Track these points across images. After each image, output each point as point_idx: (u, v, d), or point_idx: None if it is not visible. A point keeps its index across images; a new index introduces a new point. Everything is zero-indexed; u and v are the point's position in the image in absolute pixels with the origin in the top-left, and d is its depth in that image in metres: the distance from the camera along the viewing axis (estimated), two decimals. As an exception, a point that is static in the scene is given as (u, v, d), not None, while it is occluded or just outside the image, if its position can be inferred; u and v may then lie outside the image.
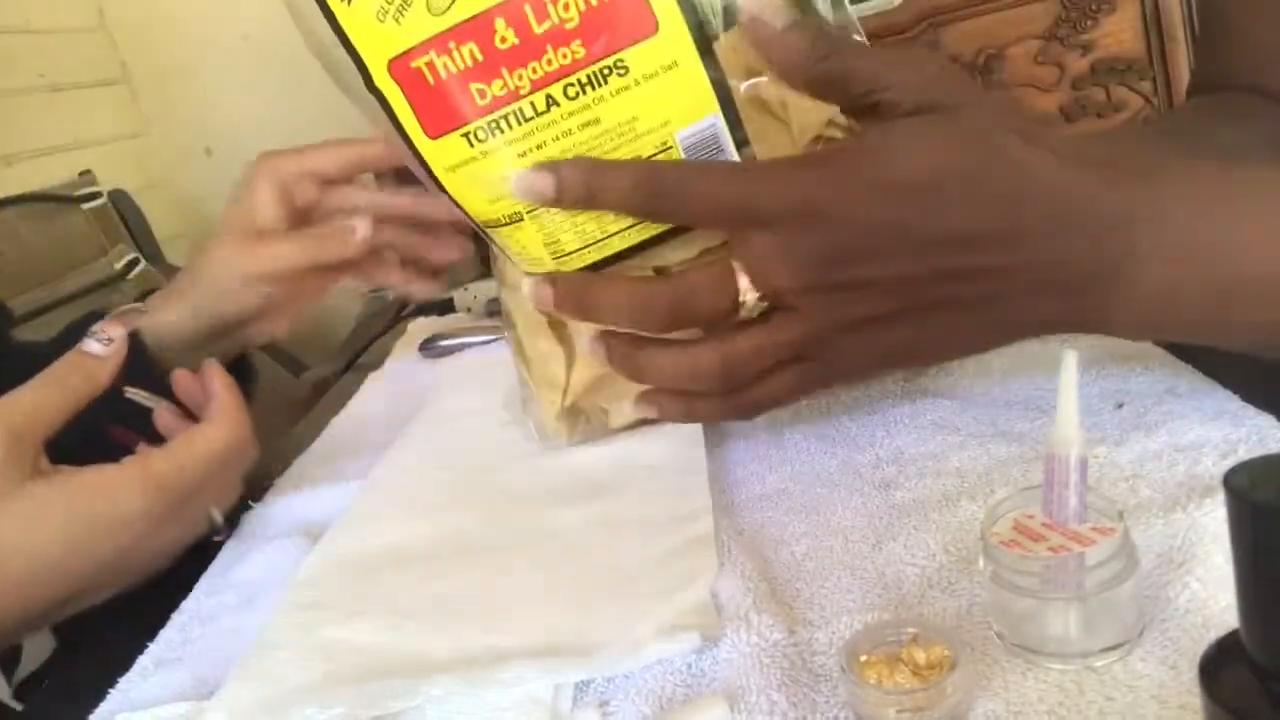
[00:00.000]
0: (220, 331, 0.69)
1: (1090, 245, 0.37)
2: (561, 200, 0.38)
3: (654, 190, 0.37)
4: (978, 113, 0.37)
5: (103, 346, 0.54)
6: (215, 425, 0.55)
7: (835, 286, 0.37)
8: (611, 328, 0.42)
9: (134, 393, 0.59)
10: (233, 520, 0.59)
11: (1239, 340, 0.41)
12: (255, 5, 1.98)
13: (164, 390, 0.64)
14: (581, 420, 0.60)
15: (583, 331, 0.60)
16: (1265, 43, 0.60)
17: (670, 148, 0.40)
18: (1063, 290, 0.38)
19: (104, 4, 2.04)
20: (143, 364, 0.64)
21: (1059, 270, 0.37)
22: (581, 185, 0.38)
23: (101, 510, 0.49)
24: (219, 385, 0.57)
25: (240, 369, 0.72)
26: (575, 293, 0.41)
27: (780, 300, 0.38)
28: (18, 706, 0.57)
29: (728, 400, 0.42)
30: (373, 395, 0.82)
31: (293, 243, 0.67)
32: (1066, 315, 0.39)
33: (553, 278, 0.41)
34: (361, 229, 0.67)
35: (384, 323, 1.08)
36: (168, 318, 0.69)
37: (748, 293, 0.38)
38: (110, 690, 0.46)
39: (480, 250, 1.22)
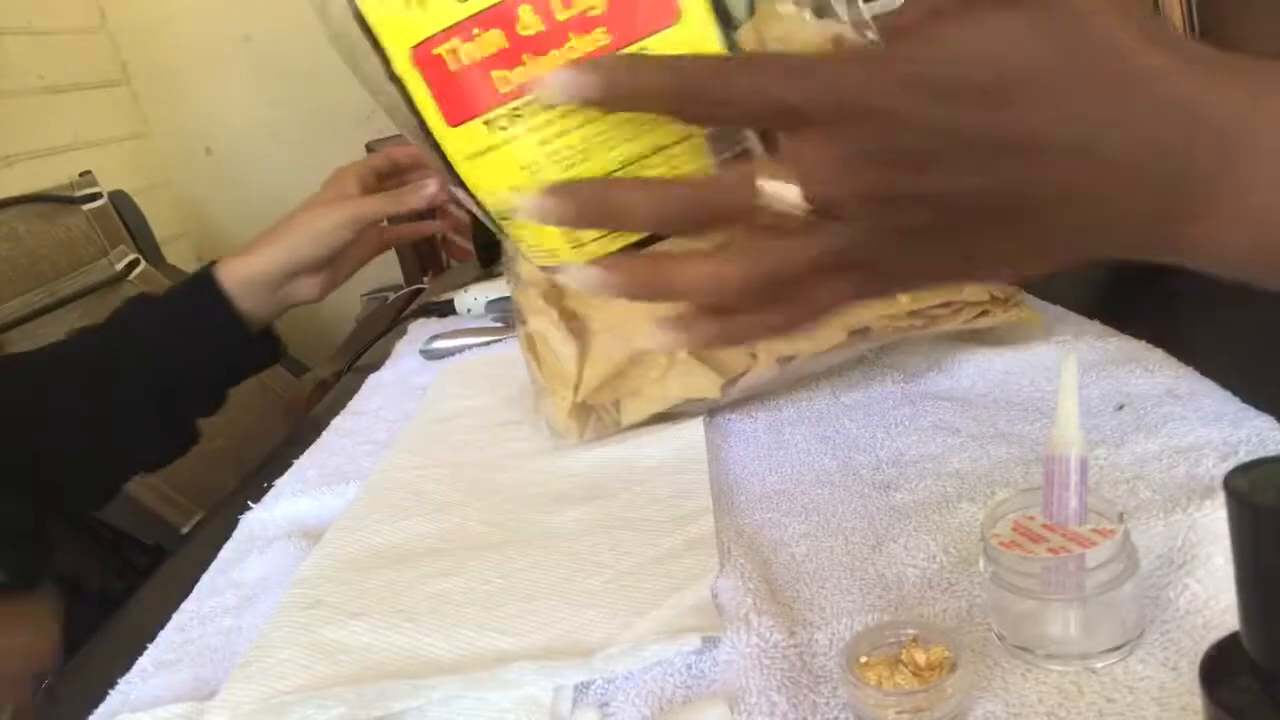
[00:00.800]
0: (287, 278, 0.84)
1: (1201, 155, 0.32)
2: (609, 100, 0.36)
3: (697, 86, 0.34)
4: None
5: None
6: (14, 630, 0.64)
7: (891, 194, 0.34)
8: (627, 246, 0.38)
9: None
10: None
11: None
12: (256, 7, 1.98)
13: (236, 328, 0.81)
14: (593, 418, 0.60)
15: (597, 328, 0.59)
16: (1265, 45, 0.60)
17: (693, 135, 0.40)
18: (1158, 210, 0.33)
19: (105, 5, 2.05)
20: (221, 301, 0.81)
21: (1158, 186, 0.33)
22: (625, 84, 0.35)
23: None
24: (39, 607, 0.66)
25: (269, 343, 0.86)
26: (598, 198, 0.37)
27: (829, 207, 0.35)
28: None
29: (768, 314, 0.38)
30: (373, 396, 0.82)
31: (379, 196, 0.87)
32: (1156, 236, 0.34)
33: (571, 187, 0.37)
34: (431, 186, 0.87)
35: (384, 324, 1.08)
36: (257, 256, 0.83)
37: (785, 194, 0.34)
38: (111, 691, 0.46)
39: (482, 253, 1.22)
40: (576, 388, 0.58)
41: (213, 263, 0.84)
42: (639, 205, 0.37)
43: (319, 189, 0.89)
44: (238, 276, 0.82)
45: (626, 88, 0.35)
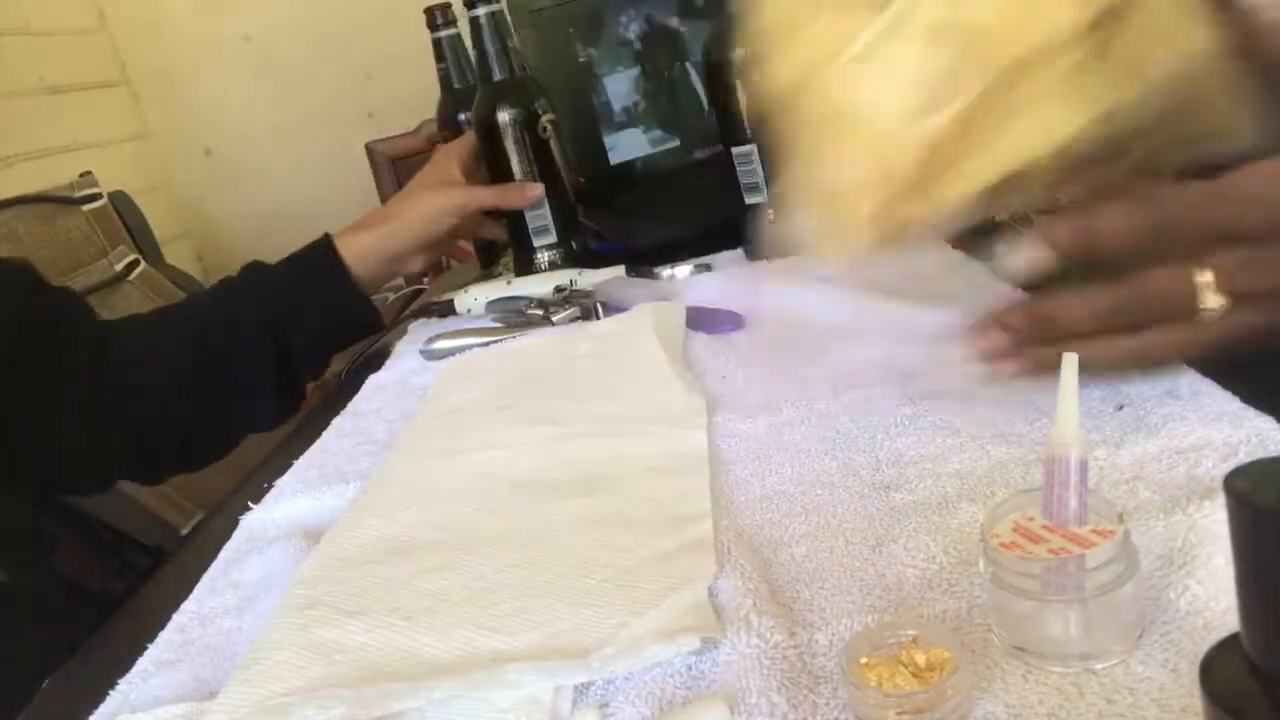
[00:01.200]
0: (398, 255, 0.91)
1: None
2: (1062, 253, 0.44)
3: (1148, 228, 0.42)
4: None
5: None
6: None
7: None
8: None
9: None
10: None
11: None
12: (255, 7, 1.98)
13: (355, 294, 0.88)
14: (902, 217, 0.46)
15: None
16: None
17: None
18: None
19: (104, 6, 2.05)
20: (341, 268, 0.87)
21: None
22: (1082, 244, 0.43)
23: None
24: None
25: (371, 315, 0.92)
26: (1044, 307, 0.46)
27: (1243, 300, 0.42)
28: None
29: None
30: (373, 396, 0.82)
31: (487, 188, 0.96)
32: None
33: (1060, 227, 0.44)
34: (536, 189, 0.96)
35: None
36: (372, 232, 0.90)
37: (1208, 292, 0.42)
38: (111, 691, 0.46)
39: (482, 253, 1.22)
40: (919, 140, 0.43)
41: (326, 235, 0.89)
42: (1081, 305, 0.44)
43: (428, 166, 0.98)
44: (354, 249, 0.88)
45: (1094, 244, 0.43)
